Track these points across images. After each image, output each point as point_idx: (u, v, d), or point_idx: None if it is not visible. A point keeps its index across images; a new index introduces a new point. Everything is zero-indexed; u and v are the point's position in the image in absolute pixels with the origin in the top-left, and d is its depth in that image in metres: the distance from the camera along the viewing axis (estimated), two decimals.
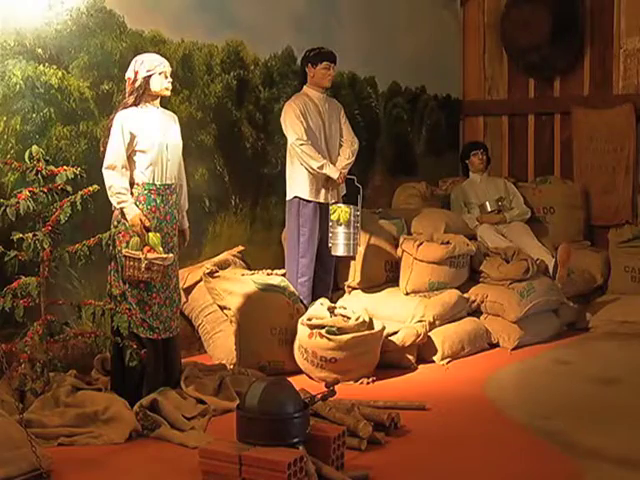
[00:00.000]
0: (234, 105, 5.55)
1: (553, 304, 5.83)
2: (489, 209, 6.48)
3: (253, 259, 5.52)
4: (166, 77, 4.12)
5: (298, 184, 5.17)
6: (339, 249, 5.09)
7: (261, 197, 5.78)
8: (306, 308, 5.03)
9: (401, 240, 5.64)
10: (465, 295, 5.54)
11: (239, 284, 4.97)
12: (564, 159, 7.32)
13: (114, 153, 4.01)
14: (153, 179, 4.09)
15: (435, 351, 5.13)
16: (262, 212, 5.79)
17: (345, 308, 4.99)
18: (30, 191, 3.90)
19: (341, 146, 5.31)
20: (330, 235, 5.09)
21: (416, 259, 5.46)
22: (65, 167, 4.05)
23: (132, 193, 4.04)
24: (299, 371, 4.80)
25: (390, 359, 4.93)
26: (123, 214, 4.03)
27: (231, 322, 4.86)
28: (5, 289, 3.87)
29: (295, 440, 3.16)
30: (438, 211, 6.25)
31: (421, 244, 5.50)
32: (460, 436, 3.79)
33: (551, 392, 4.55)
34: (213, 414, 4.01)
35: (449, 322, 5.33)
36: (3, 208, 3.85)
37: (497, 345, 5.49)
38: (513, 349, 5.43)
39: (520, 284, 5.57)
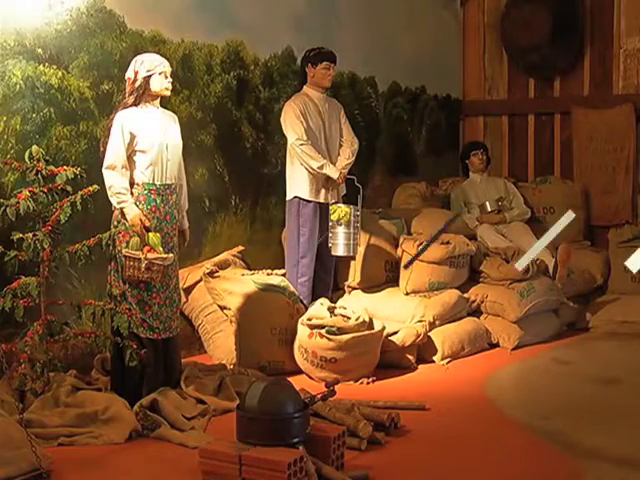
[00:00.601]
0: (234, 105, 5.55)
1: (553, 304, 5.83)
2: (489, 209, 6.48)
3: (253, 259, 5.52)
4: (166, 77, 4.12)
5: (298, 184, 5.17)
6: (339, 249, 5.09)
7: (261, 197, 5.78)
8: (306, 308, 5.03)
9: (401, 240, 5.64)
10: (465, 295, 5.54)
11: (239, 284, 4.97)
12: (564, 159, 7.32)
13: (114, 153, 4.01)
14: (153, 179, 4.09)
15: (435, 351, 5.13)
16: (262, 212, 5.79)
17: (345, 308, 4.99)
18: (30, 191, 3.90)
19: (341, 146, 5.31)
20: (330, 235, 5.09)
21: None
22: (65, 167, 4.04)
23: (132, 193, 4.04)
24: (299, 371, 4.80)
25: (390, 359, 4.93)
26: (123, 214, 4.03)
27: (231, 322, 4.86)
28: (5, 289, 3.87)
29: (295, 440, 3.16)
30: (438, 211, 6.25)
31: (421, 244, 5.50)
32: (460, 436, 3.79)
33: (551, 392, 4.55)
34: (213, 414, 4.01)
35: (449, 322, 5.33)
36: (3, 208, 3.85)
37: (497, 345, 5.49)
38: (513, 349, 5.43)
39: (520, 284, 5.57)
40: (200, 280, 5.10)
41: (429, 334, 5.13)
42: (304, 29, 5.98)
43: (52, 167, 4.01)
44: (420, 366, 5.03)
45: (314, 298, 5.13)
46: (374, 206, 6.10)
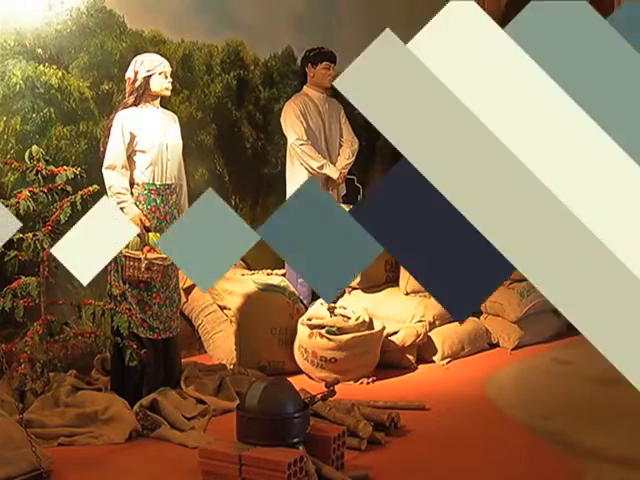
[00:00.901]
0: (234, 105, 5.55)
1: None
2: None
3: (253, 259, 5.52)
4: (166, 77, 4.12)
5: (298, 184, 5.17)
6: None
7: (261, 197, 5.78)
8: (306, 308, 5.03)
9: None
10: None
11: (239, 284, 4.97)
12: None
13: (114, 153, 4.01)
14: (153, 179, 4.09)
15: (435, 351, 5.12)
16: (262, 212, 5.79)
17: (345, 308, 4.98)
18: (30, 191, 3.91)
19: (341, 146, 5.31)
20: None
21: None
22: (65, 167, 4.05)
23: (132, 193, 4.05)
24: (299, 371, 4.80)
25: (390, 359, 4.93)
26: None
27: (231, 322, 4.86)
28: (5, 289, 3.87)
29: (295, 440, 3.16)
30: None
31: None
32: (460, 436, 3.79)
33: (551, 392, 4.55)
34: (213, 414, 4.01)
35: (449, 322, 5.33)
36: None
37: (497, 345, 5.49)
38: (513, 349, 5.42)
39: (520, 284, 5.57)
40: None
41: (429, 334, 5.13)
42: (304, 29, 5.98)
43: (52, 167, 4.02)
44: (420, 366, 5.03)
45: (314, 298, 5.14)
46: None
